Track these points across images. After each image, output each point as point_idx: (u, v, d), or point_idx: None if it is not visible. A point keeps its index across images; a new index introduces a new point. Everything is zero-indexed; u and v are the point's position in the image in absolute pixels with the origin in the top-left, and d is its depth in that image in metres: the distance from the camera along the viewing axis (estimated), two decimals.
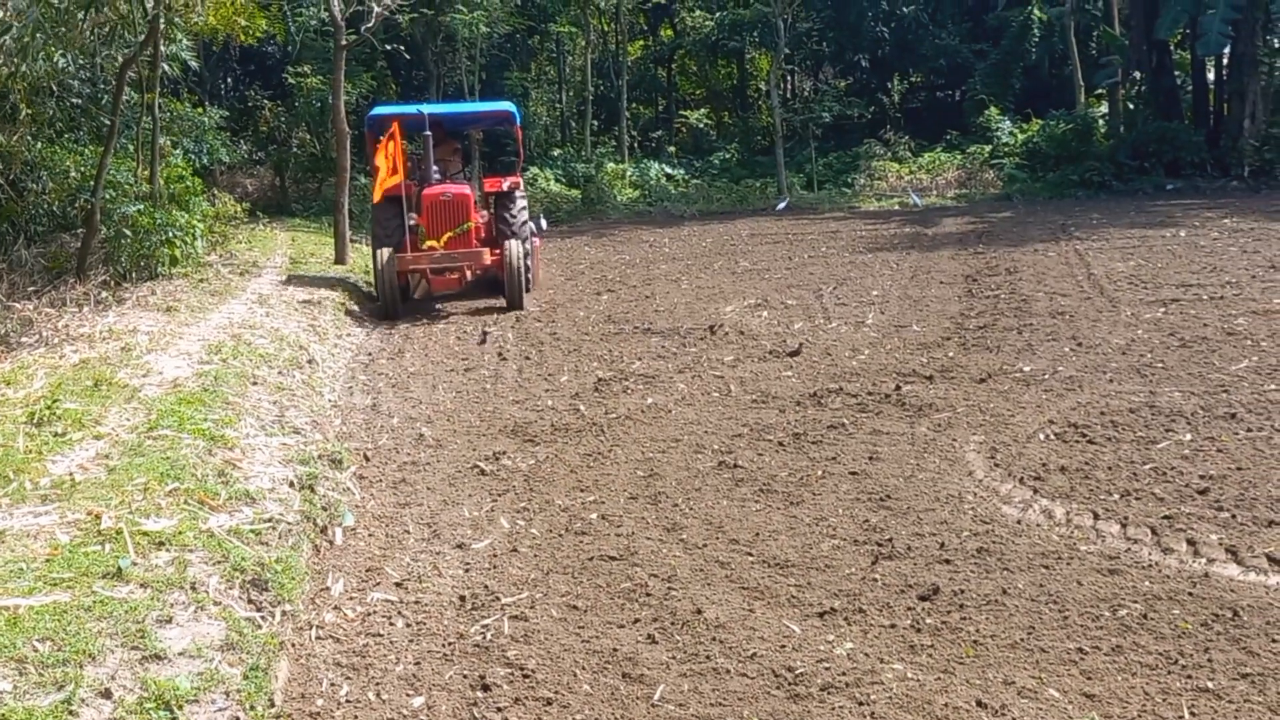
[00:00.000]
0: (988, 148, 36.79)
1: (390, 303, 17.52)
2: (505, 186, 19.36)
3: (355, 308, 17.88)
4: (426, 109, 19.10)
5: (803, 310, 16.02)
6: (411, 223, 17.90)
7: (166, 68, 20.40)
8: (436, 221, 17.88)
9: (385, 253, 17.57)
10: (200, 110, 26.04)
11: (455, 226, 17.89)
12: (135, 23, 17.39)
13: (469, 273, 18.08)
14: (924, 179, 36.65)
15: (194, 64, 23.06)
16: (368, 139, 19.43)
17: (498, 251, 18.17)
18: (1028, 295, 16.07)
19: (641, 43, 48.79)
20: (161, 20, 17.56)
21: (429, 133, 18.67)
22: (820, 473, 8.76)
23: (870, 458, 9.06)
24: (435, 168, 19.06)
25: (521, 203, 19.41)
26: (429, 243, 17.79)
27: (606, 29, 45.22)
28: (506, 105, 20.90)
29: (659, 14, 47.58)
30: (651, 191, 36.50)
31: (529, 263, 18.49)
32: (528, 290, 18.18)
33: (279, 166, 36.22)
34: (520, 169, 21.93)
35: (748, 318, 15.62)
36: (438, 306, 18.38)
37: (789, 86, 47.76)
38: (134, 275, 16.93)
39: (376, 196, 17.95)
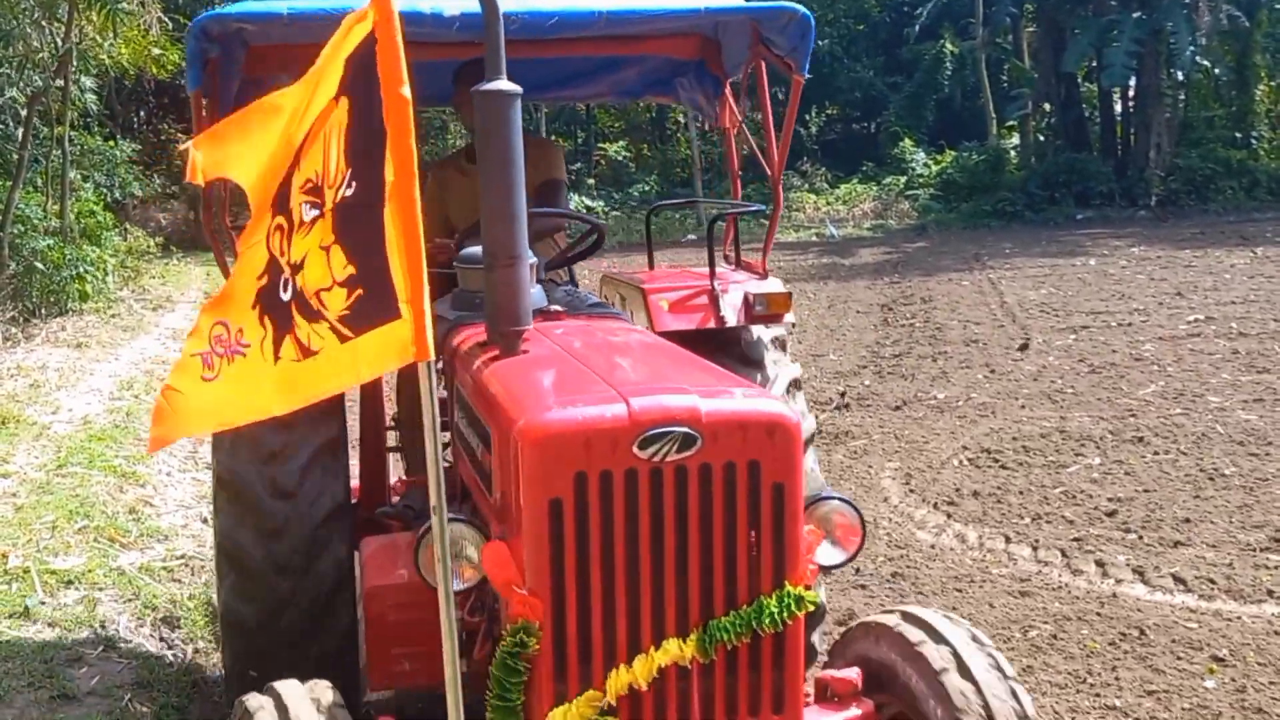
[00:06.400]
0: (903, 179, 37.29)
1: None
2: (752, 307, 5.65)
3: None
4: None
5: None
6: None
7: (77, 99, 20.12)
8: None
9: None
10: (112, 144, 25.69)
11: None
12: (45, 58, 17.20)
13: None
14: (840, 210, 37.04)
15: (94, 106, 22.65)
16: (196, 109, 5.19)
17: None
18: (942, 324, 16.29)
19: None
20: (74, 54, 17.35)
21: (512, 90, 3.67)
22: None
23: None
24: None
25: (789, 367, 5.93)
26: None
27: None
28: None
29: None
30: (571, 223, 36.52)
31: None
32: None
33: (194, 201, 35.78)
34: (779, 212, 6.22)
35: None
36: None
37: (707, 119, 48.17)
38: (43, 311, 16.62)
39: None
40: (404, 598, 4.10)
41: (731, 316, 5.62)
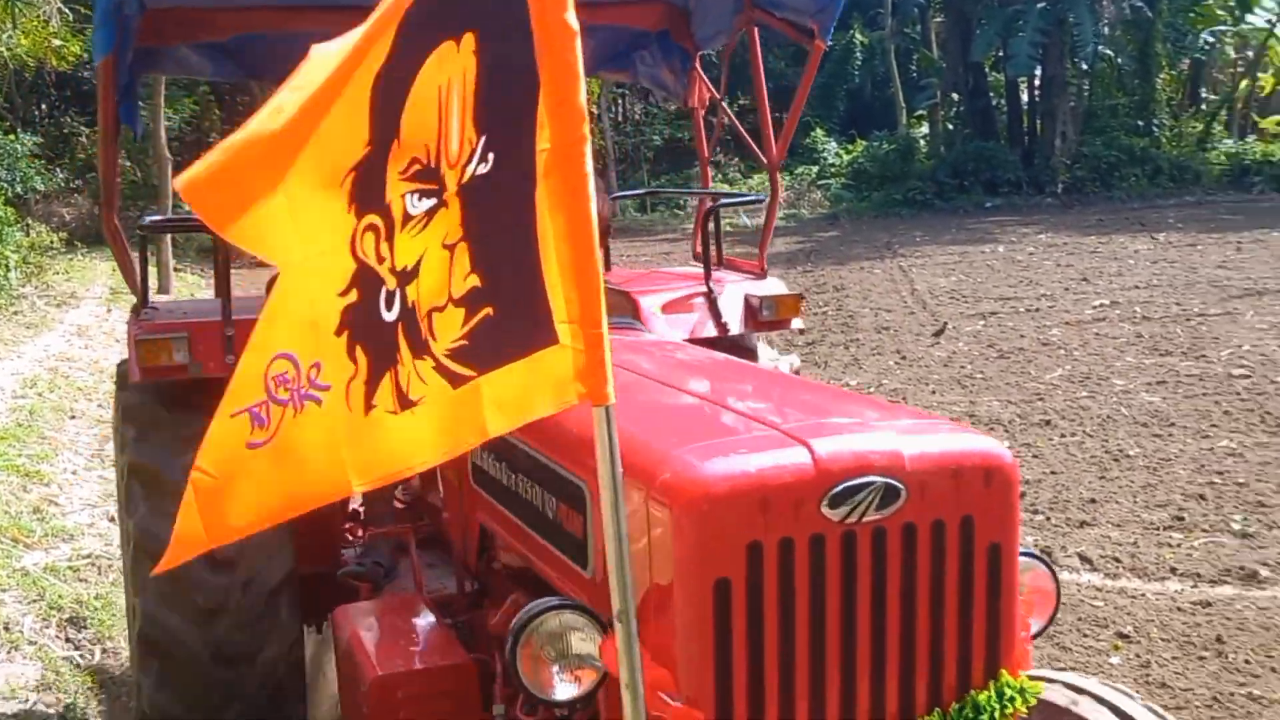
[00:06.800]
0: (815, 168, 37.56)
1: None
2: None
3: None
4: None
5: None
6: None
7: None
8: None
9: None
10: (13, 138, 25.10)
11: None
12: None
13: None
14: None
15: None
16: (104, 81, 4.24)
17: None
18: (854, 311, 16.42)
19: None
20: None
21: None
22: None
23: None
24: None
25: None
26: None
27: None
28: None
29: None
30: None
31: None
32: None
33: (98, 195, 35.12)
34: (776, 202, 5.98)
35: None
36: None
37: (620, 110, 48.19)
38: None
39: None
40: (417, 689, 3.26)
41: (735, 323, 4.80)
